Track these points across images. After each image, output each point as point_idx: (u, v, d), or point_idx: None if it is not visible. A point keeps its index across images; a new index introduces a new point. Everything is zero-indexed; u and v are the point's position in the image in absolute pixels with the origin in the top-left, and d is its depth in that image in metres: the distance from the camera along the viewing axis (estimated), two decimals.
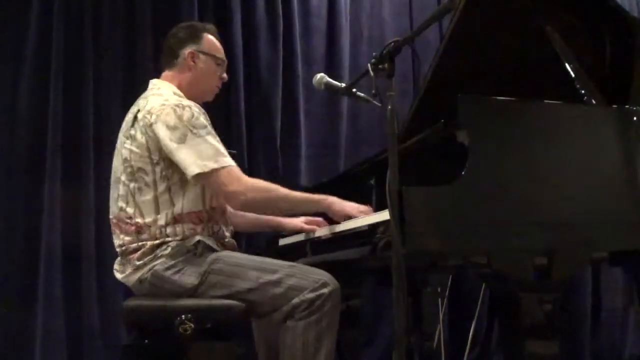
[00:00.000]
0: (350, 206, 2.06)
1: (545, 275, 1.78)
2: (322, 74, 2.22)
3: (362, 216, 1.99)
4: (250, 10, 3.44)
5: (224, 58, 2.25)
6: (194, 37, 2.19)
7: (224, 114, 3.31)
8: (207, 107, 2.08)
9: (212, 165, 1.95)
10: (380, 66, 1.67)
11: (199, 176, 1.95)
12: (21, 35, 3.12)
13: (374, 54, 1.70)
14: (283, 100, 3.43)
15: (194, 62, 2.16)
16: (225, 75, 2.26)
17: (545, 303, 1.78)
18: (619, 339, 3.81)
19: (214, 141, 1.99)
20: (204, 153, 1.95)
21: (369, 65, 1.70)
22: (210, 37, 2.22)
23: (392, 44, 1.67)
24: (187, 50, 2.16)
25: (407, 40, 1.67)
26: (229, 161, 1.99)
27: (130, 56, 3.24)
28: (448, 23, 2.15)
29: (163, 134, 1.97)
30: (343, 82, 2.25)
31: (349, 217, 2.03)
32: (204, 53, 2.18)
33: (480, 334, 3.46)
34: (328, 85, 2.19)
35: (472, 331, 3.09)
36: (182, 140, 1.95)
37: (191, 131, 1.96)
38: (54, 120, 3.05)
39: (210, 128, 2.02)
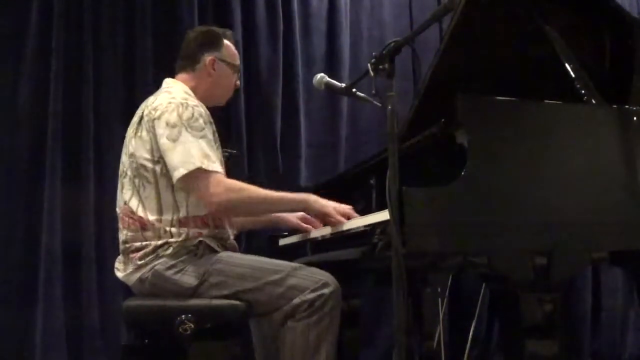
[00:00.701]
0: (331, 206, 2.05)
1: (545, 275, 1.78)
2: (322, 74, 2.22)
3: (340, 218, 2.00)
4: (250, 10, 3.43)
5: (239, 65, 2.27)
6: (215, 43, 2.20)
7: (224, 114, 3.31)
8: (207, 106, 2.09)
9: (197, 164, 1.94)
10: (380, 66, 1.67)
11: (183, 178, 1.95)
12: (21, 35, 3.12)
13: (374, 54, 1.69)
14: (283, 101, 3.43)
15: (214, 69, 2.18)
16: (238, 82, 2.28)
17: (545, 303, 1.78)
18: (619, 339, 3.81)
19: (206, 146, 1.99)
20: (191, 152, 1.96)
21: (369, 65, 1.69)
22: (229, 44, 2.24)
23: (392, 44, 1.66)
24: (208, 57, 2.17)
25: (407, 40, 1.67)
26: (214, 167, 1.98)
27: (130, 56, 3.24)
28: (448, 23, 2.15)
29: (161, 131, 1.98)
30: (343, 82, 2.25)
31: (332, 218, 2.03)
32: (224, 61, 2.20)
33: (480, 334, 3.46)
34: (328, 85, 2.20)
35: (472, 331, 3.08)
36: (176, 138, 1.96)
37: (186, 130, 1.97)
38: (54, 120, 3.05)
39: (207, 132, 2.02)
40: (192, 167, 1.94)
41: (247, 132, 3.35)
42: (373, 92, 1.79)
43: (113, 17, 3.24)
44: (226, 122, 3.30)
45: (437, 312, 2.59)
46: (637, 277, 2.33)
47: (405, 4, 3.85)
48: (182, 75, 2.20)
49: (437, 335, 2.64)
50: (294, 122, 3.45)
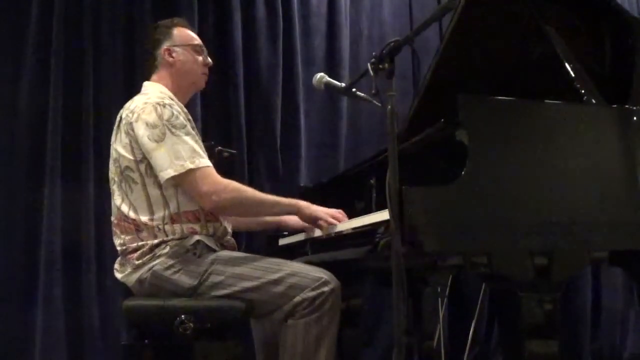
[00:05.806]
0: (322, 211, 2.08)
1: (545, 275, 1.78)
2: (322, 74, 2.22)
3: (332, 220, 2.04)
4: (250, 10, 3.43)
5: (201, 43, 2.27)
6: (164, 34, 2.22)
7: (224, 114, 3.31)
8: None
9: (188, 165, 1.96)
10: (380, 66, 1.67)
11: (174, 178, 1.96)
12: (21, 35, 3.11)
13: (374, 53, 1.69)
14: (283, 100, 3.43)
15: (172, 57, 2.19)
16: (209, 59, 2.27)
17: (545, 303, 1.78)
18: (619, 339, 3.81)
19: (192, 141, 2.01)
20: (180, 153, 1.97)
21: (369, 65, 1.69)
22: (181, 28, 2.25)
23: (392, 43, 1.66)
24: (162, 49, 2.19)
25: (407, 40, 1.67)
26: (204, 162, 2.01)
27: (130, 56, 3.24)
28: (448, 23, 2.15)
29: (142, 132, 1.99)
30: (343, 82, 2.25)
31: (323, 221, 2.05)
32: (178, 45, 2.20)
33: (480, 334, 3.46)
34: (328, 85, 2.19)
35: (472, 331, 3.08)
36: (160, 138, 1.97)
37: (170, 130, 1.98)
38: (54, 120, 3.05)
39: (189, 128, 2.04)
40: (182, 170, 1.96)
41: (247, 132, 3.35)
42: (373, 92, 1.78)
43: (113, 17, 3.24)
44: (226, 122, 3.30)
45: (437, 312, 2.59)
46: (637, 277, 2.32)
47: (405, 4, 3.85)
48: (153, 77, 2.22)
49: (437, 335, 2.64)
50: (294, 122, 3.45)
